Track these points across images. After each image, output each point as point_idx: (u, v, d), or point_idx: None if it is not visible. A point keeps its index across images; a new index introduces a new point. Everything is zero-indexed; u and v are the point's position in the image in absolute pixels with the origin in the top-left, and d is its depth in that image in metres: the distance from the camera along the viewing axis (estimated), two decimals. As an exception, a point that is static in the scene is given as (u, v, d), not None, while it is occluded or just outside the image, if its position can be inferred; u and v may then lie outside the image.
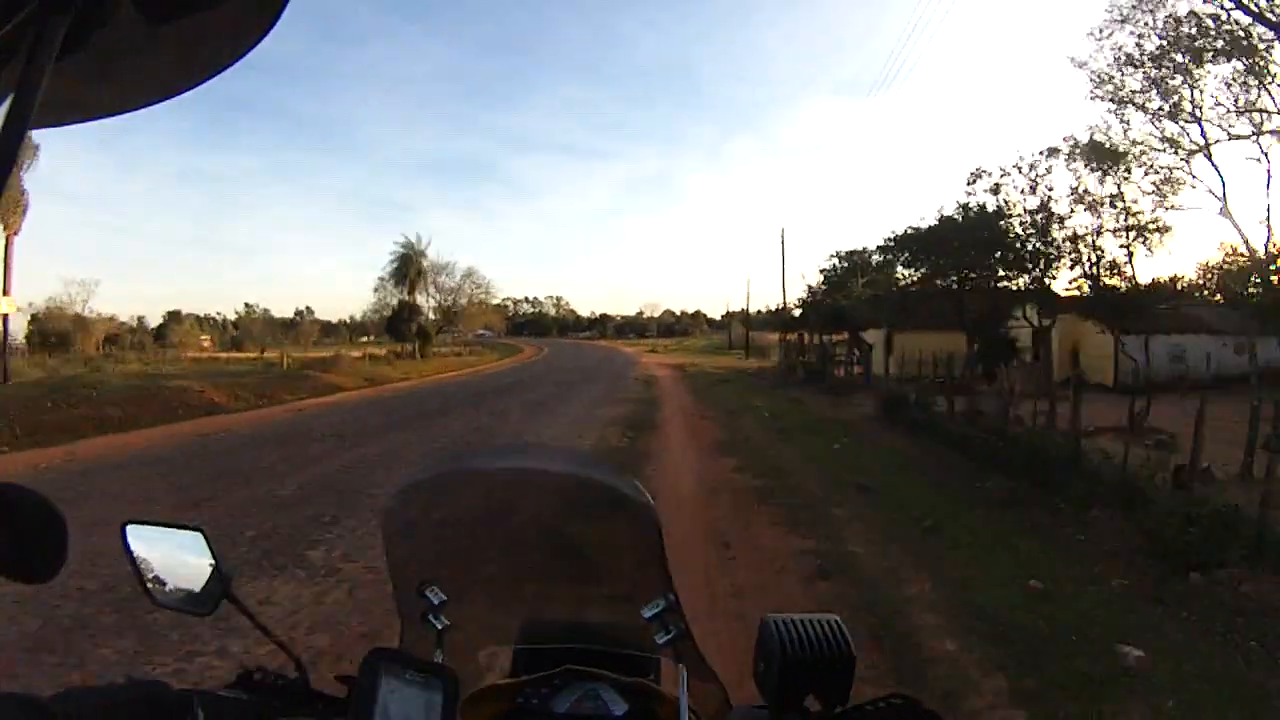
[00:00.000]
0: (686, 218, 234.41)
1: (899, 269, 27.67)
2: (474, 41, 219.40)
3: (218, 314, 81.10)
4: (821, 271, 35.17)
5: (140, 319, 78.29)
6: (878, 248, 28.47)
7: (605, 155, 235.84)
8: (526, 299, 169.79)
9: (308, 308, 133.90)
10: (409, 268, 62.61)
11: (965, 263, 23.10)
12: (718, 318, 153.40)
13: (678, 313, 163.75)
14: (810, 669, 0.92)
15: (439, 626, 1.08)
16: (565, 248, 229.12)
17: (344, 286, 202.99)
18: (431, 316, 64.79)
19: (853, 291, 32.46)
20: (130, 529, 1.08)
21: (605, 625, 1.15)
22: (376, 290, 63.93)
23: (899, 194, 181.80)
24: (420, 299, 63.48)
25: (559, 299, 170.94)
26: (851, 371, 29.63)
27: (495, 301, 69.36)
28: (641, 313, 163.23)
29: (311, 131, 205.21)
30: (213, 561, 1.05)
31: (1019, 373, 16.78)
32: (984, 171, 22.45)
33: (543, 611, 1.22)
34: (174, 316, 79.88)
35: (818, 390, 25.89)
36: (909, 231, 25.13)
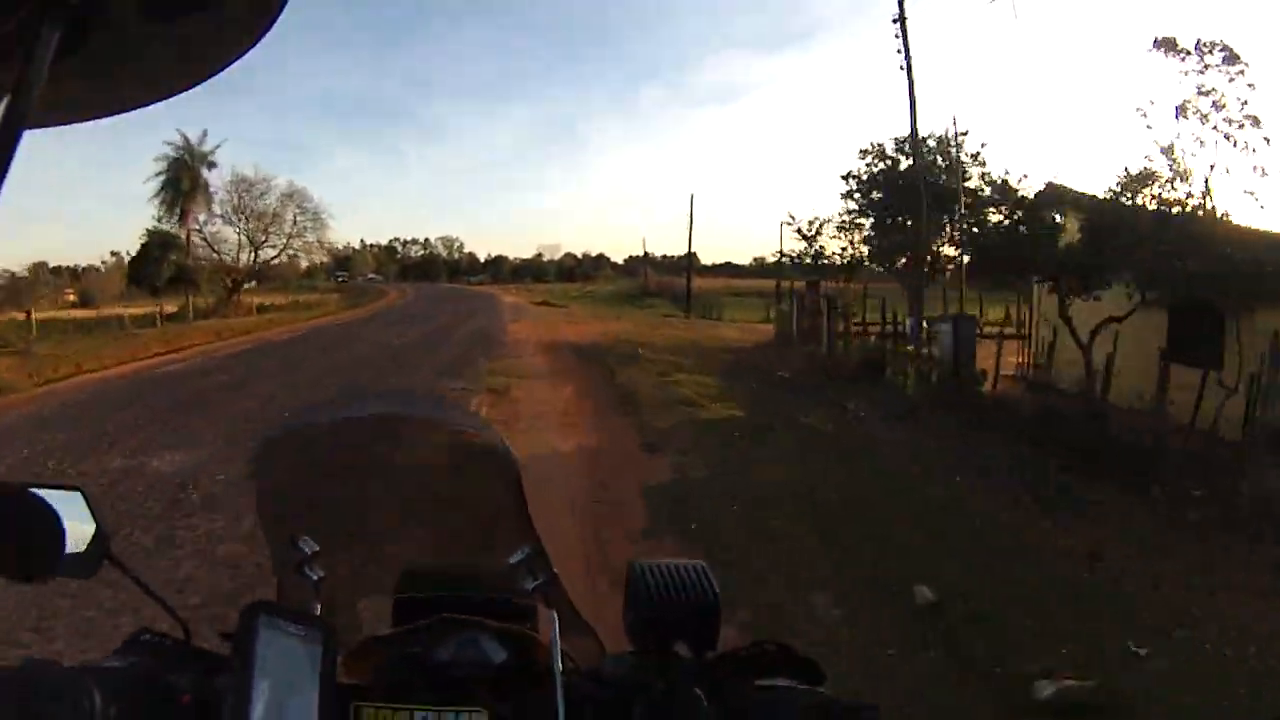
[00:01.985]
0: (590, 163, 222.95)
1: None
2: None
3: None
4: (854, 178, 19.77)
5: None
6: None
7: (512, 99, 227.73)
8: (415, 240, 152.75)
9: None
10: (181, 182, 42.20)
11: None
12: (620, 261, 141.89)
13: (579, 255, 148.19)
14: (677, 614, 0.92)
15: (314, 577, 1.04)
16: (468, 190, 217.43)
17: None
18: (226, 257, 46.05)
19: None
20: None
21: (480, 573, 1.14)
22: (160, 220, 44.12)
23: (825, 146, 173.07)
24: (207, 227, 45.09)
25: (451, 240, 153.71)
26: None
27: (332, 235, 52.17)
28: (540, 255, 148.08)
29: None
30: (93, 521, 1.01)
31: None
32: None
33: (418, 560, 1.21)
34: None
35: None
36: None
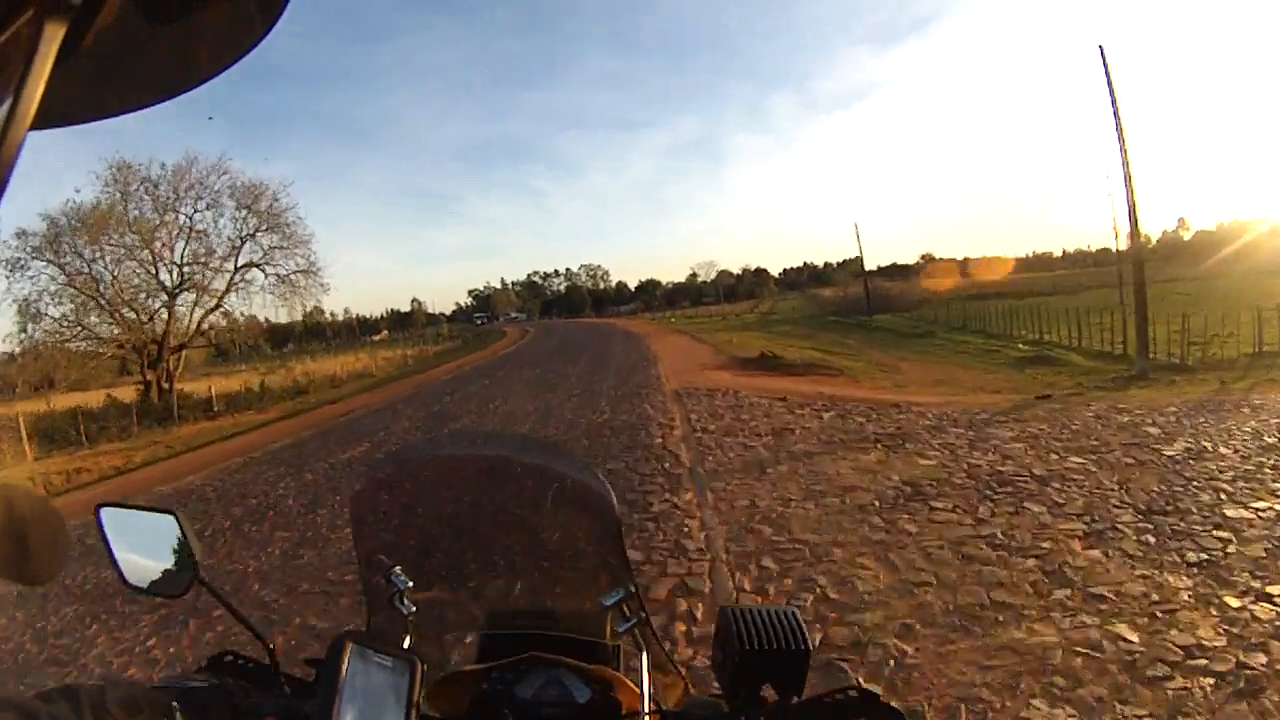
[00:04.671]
0: (731, 178, 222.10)
1: None
2: (501, 23, 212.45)
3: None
4: None
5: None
6: None
7: (643, 125, 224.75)
8: (556, 273, 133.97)
9: (315, 307, 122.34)
10: None
11: None
12: (777, 274, 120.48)
13: (737, 272, 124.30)
14: (767, 660, 0.88)
15: (405, 611, 1.03)
16: (612, 221, 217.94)
17: (382, 283, 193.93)
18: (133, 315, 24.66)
19: None
20: (105, 511, 1.00)
21: (568, 613, 1.12)
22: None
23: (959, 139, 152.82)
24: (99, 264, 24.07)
25: (595, 269, 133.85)
26: None
27: (317, 273, 28.16)
28: (695, 275, 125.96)
29: (346, 132, 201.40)
30: (185, 544, 0.98)
31: None
32: None
33: (508, 598, 1.18)
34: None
35: None
36: None
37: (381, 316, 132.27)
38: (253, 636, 0.96)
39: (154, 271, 24.56)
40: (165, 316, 24.65)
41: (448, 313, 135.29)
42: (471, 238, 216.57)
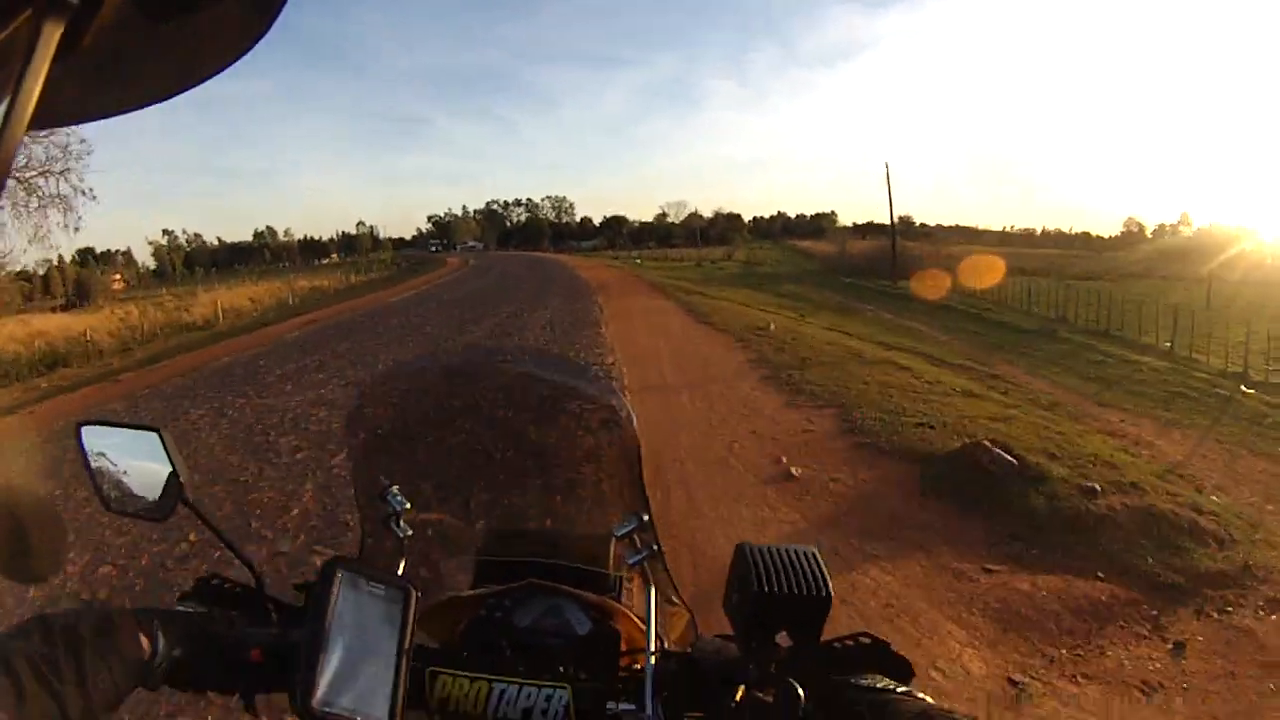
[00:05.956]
0: (706, 122, 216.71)
1: None
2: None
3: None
4: None
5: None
6: None
7: (619, 62, 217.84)
8: (518, 202, 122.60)
9: (268, 228, 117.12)
10: None
11: None
12: (748, 220, 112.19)
13: (708, 215, 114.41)
14: (785, 604, 0.78)
15: (401, 534, 0.94)
16: (582, 155, 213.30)
17: (345, 204, 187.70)
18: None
19: None
20: (86, 430, 0.92)
21: (573, 540, 1.03)
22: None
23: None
24: None
25: (560, 200, 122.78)
26: None
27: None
28: (664, 215, 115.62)
29: (322, 51, 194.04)
30: (170, 463, 0.89)
31: None
32: None
33: (510, 522, 1.11)
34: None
35: None
36: None
37: (332, 239, 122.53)
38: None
39: None
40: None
41: (408, 237, 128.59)
42: (438, 164, 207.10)
